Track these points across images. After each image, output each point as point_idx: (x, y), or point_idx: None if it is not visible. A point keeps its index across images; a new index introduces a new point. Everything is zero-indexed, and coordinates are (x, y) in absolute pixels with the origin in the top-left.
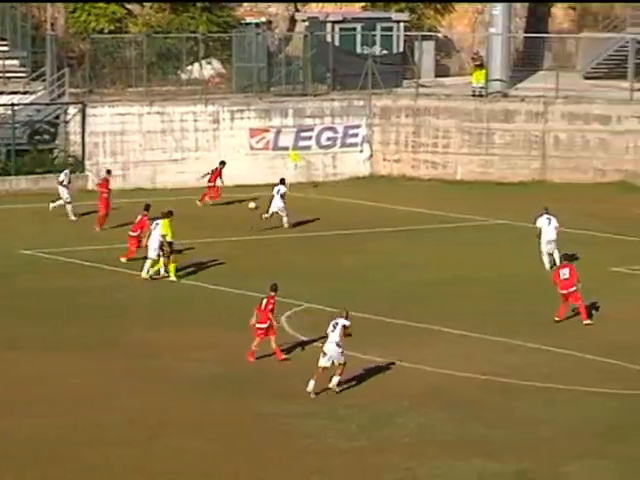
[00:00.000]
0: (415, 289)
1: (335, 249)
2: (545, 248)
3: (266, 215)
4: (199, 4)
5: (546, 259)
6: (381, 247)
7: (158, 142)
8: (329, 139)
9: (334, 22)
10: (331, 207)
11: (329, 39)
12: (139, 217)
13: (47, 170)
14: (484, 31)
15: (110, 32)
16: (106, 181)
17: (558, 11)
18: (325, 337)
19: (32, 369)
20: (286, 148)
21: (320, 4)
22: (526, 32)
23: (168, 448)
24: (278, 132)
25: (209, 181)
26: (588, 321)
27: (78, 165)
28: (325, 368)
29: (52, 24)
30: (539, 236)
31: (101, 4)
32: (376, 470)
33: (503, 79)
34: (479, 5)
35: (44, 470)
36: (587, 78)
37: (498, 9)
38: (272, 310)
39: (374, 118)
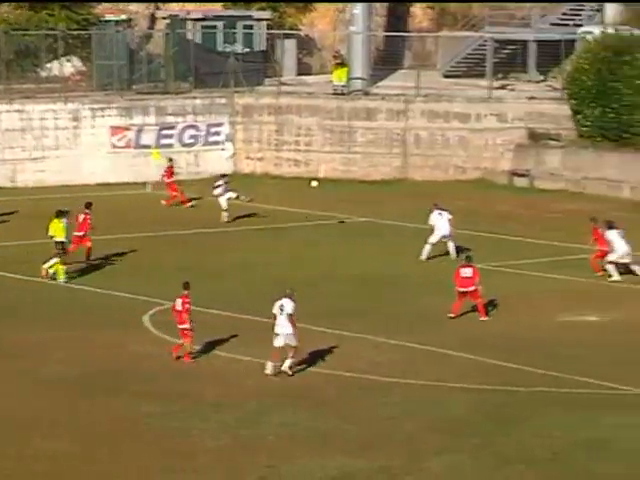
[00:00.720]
0: (278, 287)
1: (198, 247)
2: (434, 240)
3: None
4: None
5: (427, 250)
6: (244, 245)
7: (18, 140)
8: (191, 137)
9: (195, 20)
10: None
11: (190, 37)
12: (82, 216)
13: None
14: (345, 30)
15: None
16: None
17: (417, 10)
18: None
19: None
20: (148, 146)
21: (181, 3)
22: (386, 31)
23: (31, 450)
24: (140, 130)
25: (166, 179)
26: (485, 318)
27: None
28: (279, 349)
29: None
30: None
31: None
32: (240, 468)
33: (364, 77)
34: (340, 4)
35: None
36: (446, 77)
37: (358, 8)
38: (188, 310)
39: (237, 116)
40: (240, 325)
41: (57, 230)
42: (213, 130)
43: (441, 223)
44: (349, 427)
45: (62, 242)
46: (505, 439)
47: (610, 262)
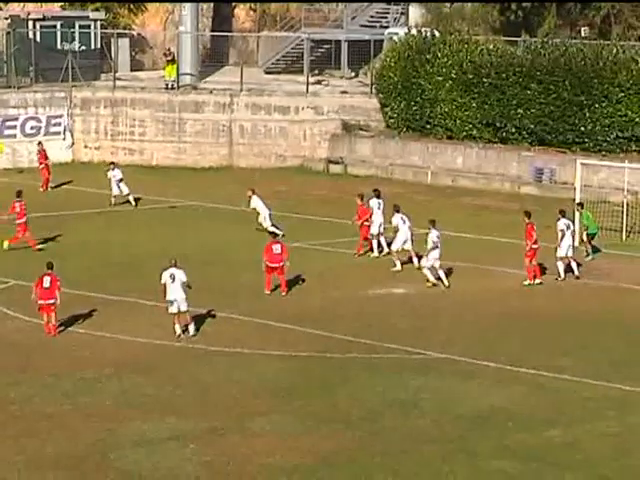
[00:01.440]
0: (114, 265)
1: (41, 230)
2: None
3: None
4: None
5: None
6: (83, 228)
7: None
8: (33, 128)
9: (35, 20)
10: (36, 192)
11: (31, 35)
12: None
13: None
14: (174, 29)
15: None
16: None
17: (240, 12)
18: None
19: None
20: None
21: (21, 3)
22: (212, 31)
23: None
24: None
25: (40, 163)
26: (285, 293)
27: None
28: (176, 314)
29: None
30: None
31: None
32: (79, 432)
33: (193, 73)
34: (169, 5)
35: None
36: (268, 73)
37: (187, 9)
38: (59, 287)
39: (75, 109)
40: (76, 301)
41: None
42: (53, 122)
43: (404, 228)
44: (180, 392)
45: None
46: (324, 401)
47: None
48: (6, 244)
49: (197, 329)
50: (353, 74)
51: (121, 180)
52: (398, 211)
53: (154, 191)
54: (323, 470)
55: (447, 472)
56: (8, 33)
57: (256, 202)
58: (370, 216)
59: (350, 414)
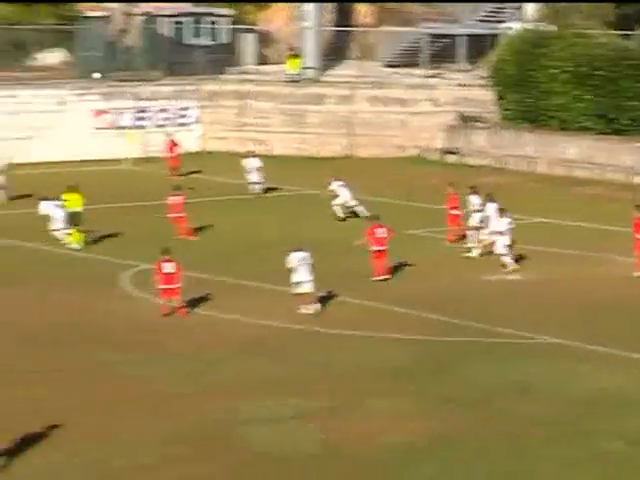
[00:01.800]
0: (239, 250)
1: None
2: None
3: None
4: None
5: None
6: (208, 214)
7: (10, 122)
8: (164, 119)
9: (167, 16)
10: (165, 180)
11: (162, 32)
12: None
13: None
14: (298, 25)
15: None
16: None
17: (362, 7)
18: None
19: None
20: (126, 127)
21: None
22: (334, 26)
23: (12, 398)
24: (119, 113)
25: (168, 153)
26: (382, 278)
27: None
28: (302, 295)
29: None
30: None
31: None
32: (206, 410)
33: (315, 67)
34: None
35: None
36: (387, 66)
37: (310, 6)
38: (180, 270)
39: (203, 101)
40: (204, 283)
41: (73, 203)
42: (182, 113)
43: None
44: (301, 373)
45: (78, 213)
46: (439, 383)
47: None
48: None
49: (318, 311)
50: (469, 67)
51: (258, 169)
52: (492, 201)
53: (277, 180)
54: (437, 450)
55: (560, 455)
56: (142, 29)
57: (337, 187)
58: (457, 207)
59: (465, 396)
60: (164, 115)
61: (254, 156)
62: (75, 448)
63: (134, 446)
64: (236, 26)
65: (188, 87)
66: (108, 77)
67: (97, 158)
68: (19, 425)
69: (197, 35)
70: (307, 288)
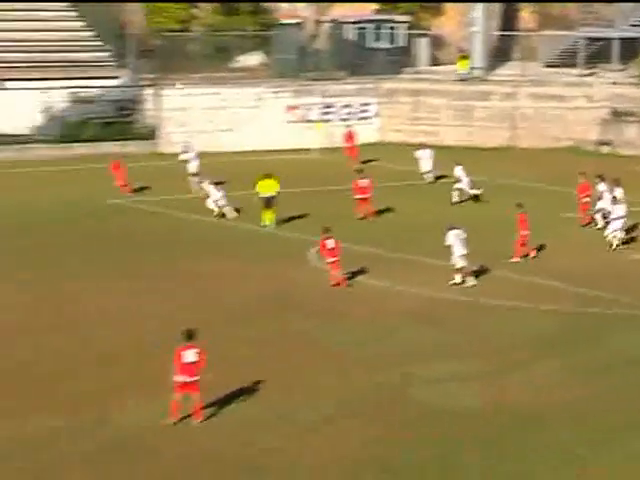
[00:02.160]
0: (408, 231)
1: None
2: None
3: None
4: (247, 8)
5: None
6: (384, 199)
7: (215, 116)
8: (347, 114)
9: (351, 23)
10: (347, 167)
11: (347, 36)
12: None
13: (130, 137)
14: (467, 29)
15: (178, 30)
16: None
17: (525, 14)
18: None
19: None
20: (314, 121)
21: (340, 10)
22: (500, 30)
23: (223, 358)
24: (308, 108)
25: (346, 143)
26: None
27: (152, 133)
28: (460, 269)
29: (134, 24)
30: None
31: (170, 8)
32: (378, 371)
33: (482, 67)
34: (464, 8)
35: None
36: (547, 66)
37: (478, 12)
38: (338, 246)
39: (382, 97)
40: (380, 259)
41: (268, 188)
42: (363, 108)
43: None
44: (461, 339)
45: (272, 197)
46: (589, 353)
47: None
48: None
49: (474, 284)
50: (622, 67)
51: (429, 158)
52: (618, 185)
53: (446, 168)
54: (573, 415)
55: None
56: (329, 34)
57: (459, 172)
58: (588, 194)
59: (609, 366)
60: (347, 110)
61: (425, 147)
62: (269, 403)
63: (320, 402)
64: (412, 31)
65: (369, 85)
66: (300, 77)
67: (289, 148)
68: (226, 381)
69: (377, 39)
70: (462, 262)
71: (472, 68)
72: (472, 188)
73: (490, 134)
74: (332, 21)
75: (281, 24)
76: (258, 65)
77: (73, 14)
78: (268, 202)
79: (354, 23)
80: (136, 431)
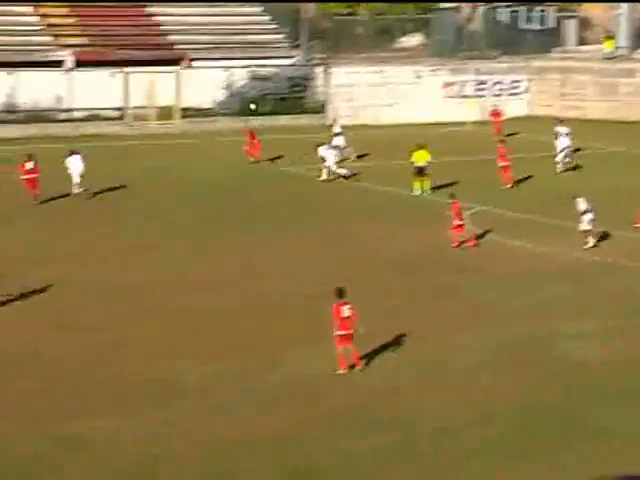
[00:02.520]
0: (548, 198)
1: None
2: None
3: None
4: None
5: None
6: (529, 168)
7: (378, 92)
8: (499, 90)
9: (505, 6)
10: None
11: (501, 19)
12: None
13: (301, 111)
14: (613, 11)
15: (346, 14)
16: None
17: None
18: None
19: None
20: (468, 96)
21: None
22: None
23: (380, 307)
24: (463, 84)
25: (493, 117)
26: None
27: (322, 108)
28: (587, 231)
29: (306, 9)
30: None
31: None
32: (525, 325)
33: (627, 46)
34: None
35: None
36: None
37: None
38: (461, 209)
39: (532, 75)
40: (524, 223)
41: (420, 158)
42: (514, 85)
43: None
44: (591, 297)
45: (424, 167)
46: None
47: None
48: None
49: (594, 245)
50: None
51: (567, 134)
52: None
53: (589, 140)
54: None
55: None
56: (483, 16)
57: (560, 132)
58: None
59: None
60: (499, 86)
61: (561, 122)
62: (414, 351)
63: (467, 351)
64: (561, 14)
65: (520, 64)
66: (456, 56)
67: (445, 121)
68: (381, 330)
69: (529, 21)
70: (590, 226)
71: (617, 47)
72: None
73: (633, 108)
74: (486, 4)
75: (439, 8)
76: (418, 45)
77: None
78: (420, 171)
79: (507, 6)
80: (303, 377)
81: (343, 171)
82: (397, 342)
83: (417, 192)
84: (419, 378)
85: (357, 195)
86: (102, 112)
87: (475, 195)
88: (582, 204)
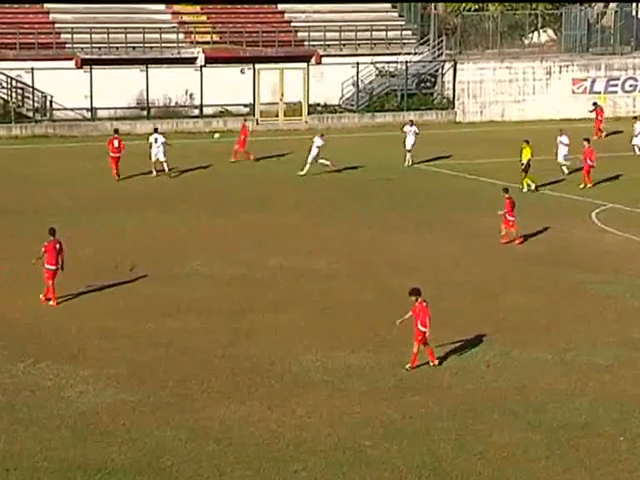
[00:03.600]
0: None
1: (633, 166)
2: None
3: None
4: None
5: None
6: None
7: (506, 88)
8: (631, 86)
9: (638, 0)
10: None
11: (634, 13)
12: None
13: (428, 107)
14: None
15: (475, 10)
16: None
17: None
18: None
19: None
20: (598, 92)
21: None
22: None
23: (506, 303)
24: (593, 81)
25: (598, 116)
26: None
27: (450, 104)
28: None
29: (435, 5)
30: None
31: None
32: None
33: None
34: None
35: None
36: None
37: None
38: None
39: None
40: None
41: (525, 155)
42: None
43: None
44: None
45: (526, 163)
46: None
47: None
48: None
49: None
50: None
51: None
52: None
53: None
54: None
55: None
56: (616, 12)
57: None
58: None
59: None
60: (631, 83)
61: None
62: (554, 347)
63: (592, 348)
64: None
65: None
66: (587, 52)
67: (574, 117)
68: (510, 325)
69: None
70: None
71: None
72: None
73: None
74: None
75: (571, 2)
76: (548, 41)
77: None
78: (526, 167)
79: None
80: (421, 372)
81: (326, 162)
82: (530, 337)
83: (527, 188)
84: (548, 374)
85: (488, 190)
86: (232, 108)
87: (605, 192)
88: None
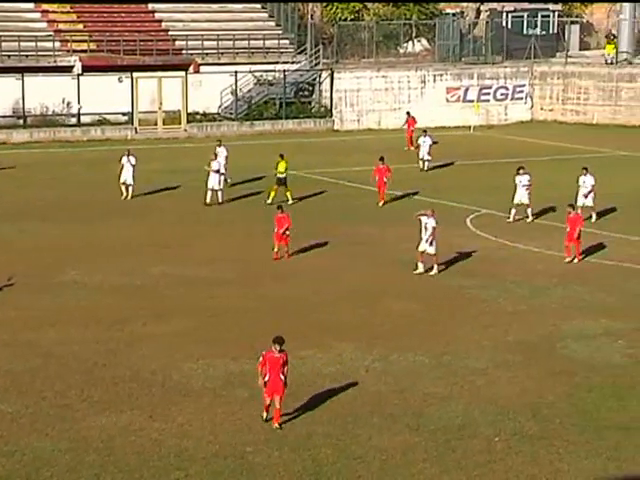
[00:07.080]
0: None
1: (506, 171)
2: None
3: None
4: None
5: None
6: (536, 170)
7: (383, 97)
8: (502, 94)
9: (508, 12)
10: (502, 143)
11: (504, 24)
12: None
13: (307, 115)
14: (616, 17)
15: (351, 20)
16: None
17: None
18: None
19: None
20: (471, 101)
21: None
22: None
23: (385, 309)
24: (466, 89)
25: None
26: None
27: (327, 112)
28: (422, 253)
29: (311, 15)
30: None
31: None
32: (532, 326)
33: (629, 51)
34: None
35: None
36: None
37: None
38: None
39: (535, 79)
40: (534, 227)
41: (280, 168)
42: (517, 89)
43: None
44: (610, 299)
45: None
46: None
47: None
48: None
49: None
50: None
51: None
52: None
53: (593, 144)
54: None
55: None
56: (487, 22)
57: None
58: None
59: None
60: (502, 91)
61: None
62: (432, 352)
63: (469, 352)
64: (563, 19)
65: (522, 69)
66: (460, 61)
67: (449, 125)
68: (396, 332)
69: (533, 27)
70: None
71: (619, 52)
72: None
73: (635, 113)
74: (490, 10)
75: (444, 13)
76: (422, 51)
77: (258, 6)
78: (282, 180)
79: (511, 12)
80: (302, 378)
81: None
82: (410, 344)
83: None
84: (425, 380)
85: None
86: (110, 117)
87: (479, 198)
88: None
